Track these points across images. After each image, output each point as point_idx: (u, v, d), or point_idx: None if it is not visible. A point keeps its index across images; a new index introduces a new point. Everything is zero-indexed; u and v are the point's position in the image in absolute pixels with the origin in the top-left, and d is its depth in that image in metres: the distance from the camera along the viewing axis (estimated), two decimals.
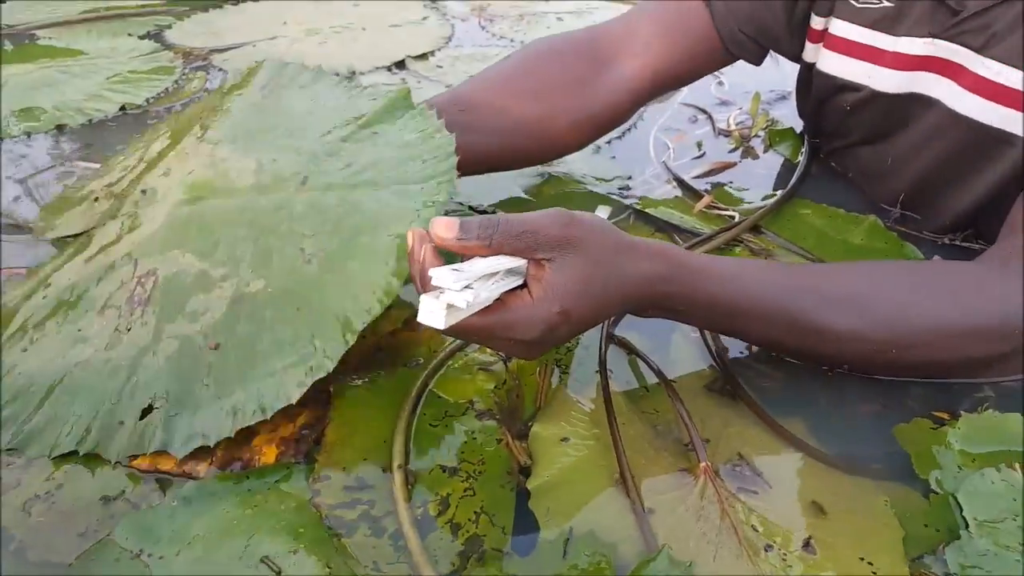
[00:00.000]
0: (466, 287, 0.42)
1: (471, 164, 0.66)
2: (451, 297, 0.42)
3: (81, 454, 0.52)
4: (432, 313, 0.42)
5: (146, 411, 0.52)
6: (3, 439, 0.54)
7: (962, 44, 0.69)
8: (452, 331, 0.45)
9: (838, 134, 0.89)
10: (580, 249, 0.46)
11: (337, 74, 0.78)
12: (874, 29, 0.76)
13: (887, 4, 0.74)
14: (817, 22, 0.81)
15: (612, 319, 0.67)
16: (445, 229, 0.44)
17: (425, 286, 0.44)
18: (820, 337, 0.56)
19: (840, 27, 0.79)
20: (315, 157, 0.66)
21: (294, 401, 0.53)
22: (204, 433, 0.51)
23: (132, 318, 0.60)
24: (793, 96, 1.15)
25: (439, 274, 0.42)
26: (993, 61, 0.67)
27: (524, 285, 0.46)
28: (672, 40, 0.79)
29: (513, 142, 0.74)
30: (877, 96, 0.78)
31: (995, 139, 0.69)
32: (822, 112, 0.89)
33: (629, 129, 1.08)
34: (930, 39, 0.72)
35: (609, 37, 0.78)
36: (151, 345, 0.57)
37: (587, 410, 0.59)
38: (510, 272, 0.46)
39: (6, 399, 0.57)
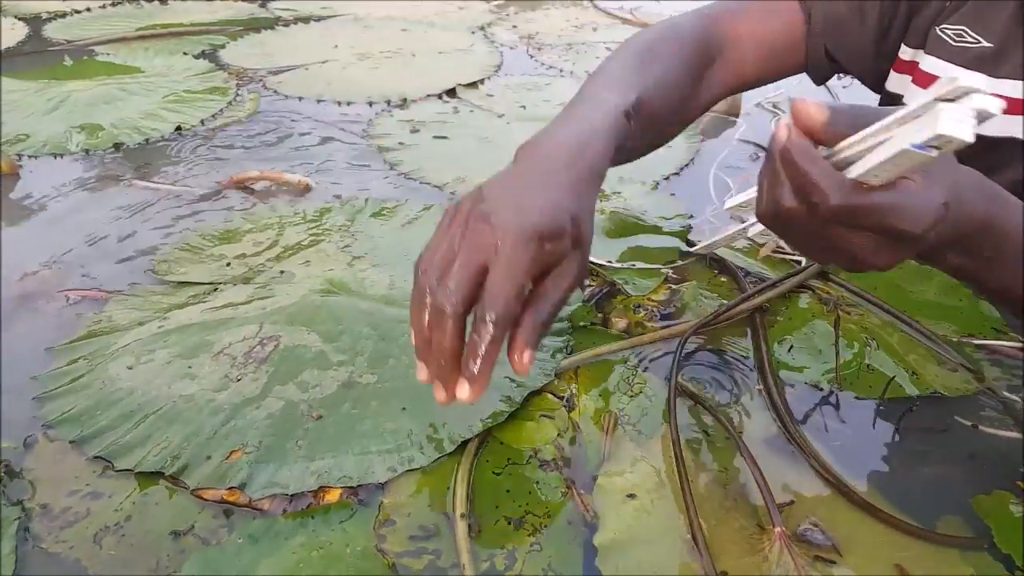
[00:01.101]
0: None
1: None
2: (981, 102, 0.37)
3: (166, 475, 0.51)
4: (959, 123, 0.37)
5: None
6: (95, 448, 0.53)
7: None
8: (842, 209, 0.41)
9: None
10: None
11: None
12: (970, 69, 0.70)
13: (986, 44, 0.69)
14: (906, 52, 0.75)
15: (679, 358, 0.63)
16: (816, 111, 0.42)
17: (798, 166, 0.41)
18: None
19: (932, 64, 0.72)
20: None
21: (380, 482, 0.51)
22: (284, 484, 0.50)
23: (245, 370, 0.59)
24: None
25: (966, 78, 0.36)
26: None
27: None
28: (769, 58, 0.77)
29: (660, 141, 0.73)
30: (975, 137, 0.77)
31: None
32: None
33: (687, 165, 1.02)
34: None
35: (716, 36, 0.74)
36: (257, 399, 0.56)
37: (653, 464, 0.54)
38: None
39: (106, 407, 0.56)
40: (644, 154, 0.72)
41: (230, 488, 0.50)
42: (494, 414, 0.57)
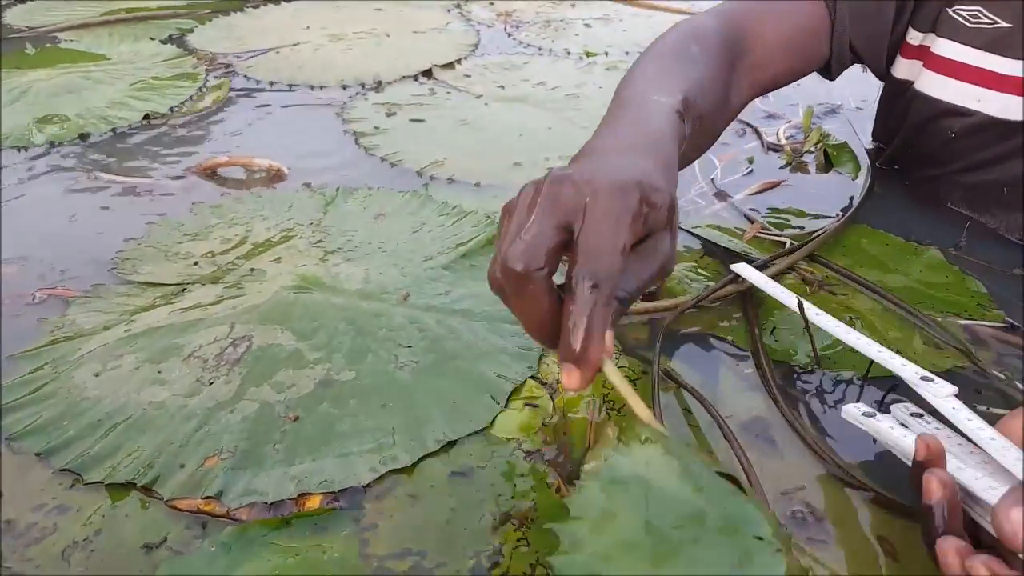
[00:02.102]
0: None
1: None
2: None
3: (138, 485, 0.48)
4: None
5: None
6: (63, 460, 0.50)
7: None
8: None
9: (935, 161, 0.79)
10: None
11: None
12: (989, 51, 0.69)
13: (1003, 24, 0.68)
14: (914, 36, 0.74)
15: (661, 340, 0.60)
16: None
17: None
18: None
19: (946, 47, 0.71)
20: (418, 280, 0.68)
21: (363, 484, 0.49)
22: (262, 491, 0.48)
23: (217, 373, 0.57)
24: (842, 109, 1.13)
25: None
26: None
27: None
28: (794, 54, 0.74)
29: (705, 145, 0.69)
30: (992, 122, 0.70)
31: None
32: (917, 137, 0.79)
33: None
34: None
35: (741, 36, 0.71)
36: (231, 402, 0.54)
37: (639, 450, 0.50)
38: None
39: (72, 417, 0.53)
40: (691, 160, 0.70)
41: (206, 497, 0.48)
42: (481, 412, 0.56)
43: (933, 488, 0.36)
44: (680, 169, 0.58)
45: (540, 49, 1.36)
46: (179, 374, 0.57)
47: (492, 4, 1.62)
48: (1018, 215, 0.75)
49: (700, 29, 0.69)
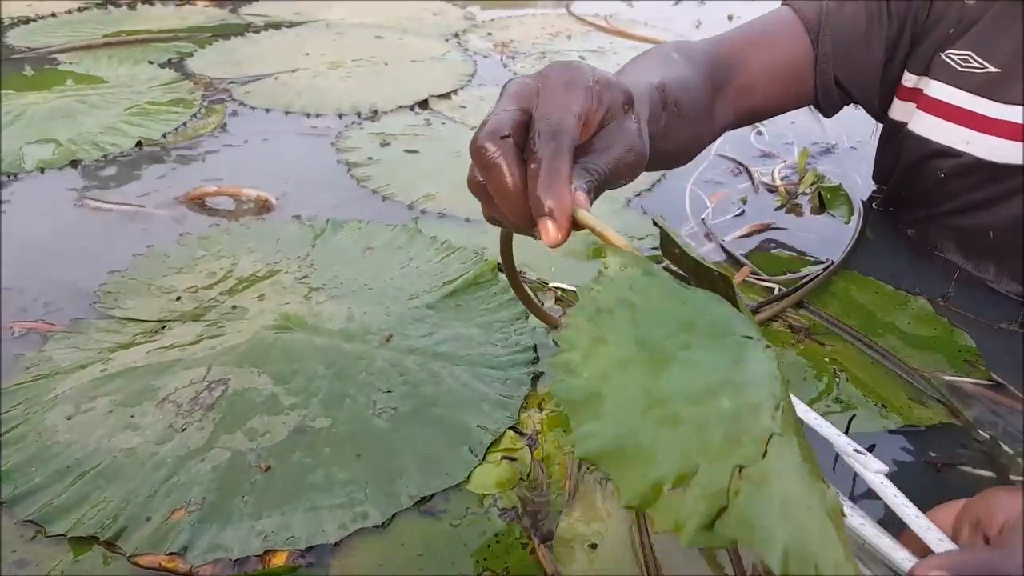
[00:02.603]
0: None
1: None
2: None
3: (101, 540, 0.47)
4: None
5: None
6: (26, 511, 0.49)
7: None
8: None
9: (927, 202, 0.80)
10: None
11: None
12: (978, 95, 0.69)
13: (992, 70, 0.68)
14: (909, 79, 0.75)
15: None
16: None
17: None
18: None
19: (938, 89, 0.72)
20: (402, 320, 0.67)
21: (331, 541, 0.48)
22: (228, 547, 0.46)
23: (191, 418, 0.56)
24: (838, 149, 1.13)
25: None
26: None
27: None
28: (776, 87, 0.75)
29: (685, 145, 0.67)
30: (979, 164, 0.70)
31: None
32: (910, 178, 0.80)
33: (658, 182, 0.98)
34: None
35: (725, 62, 0.72)
36: (202, 450, 0.53)
37: (617, 508, 0.51)
38: None
39: (41, 463, 0.52)
40: (672, 158, 0.68)
41: (170, 553, 0.47)
42: (456, 466, 0.55)
43: None
44: (658, 162, 0.61)
45: None
46: (152, 419, 0.56)
47: (490, 34, 1.63)
48: (1006, 261, 0.75)
49: (685, 43, 0.71)
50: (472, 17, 1.76)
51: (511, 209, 0.40)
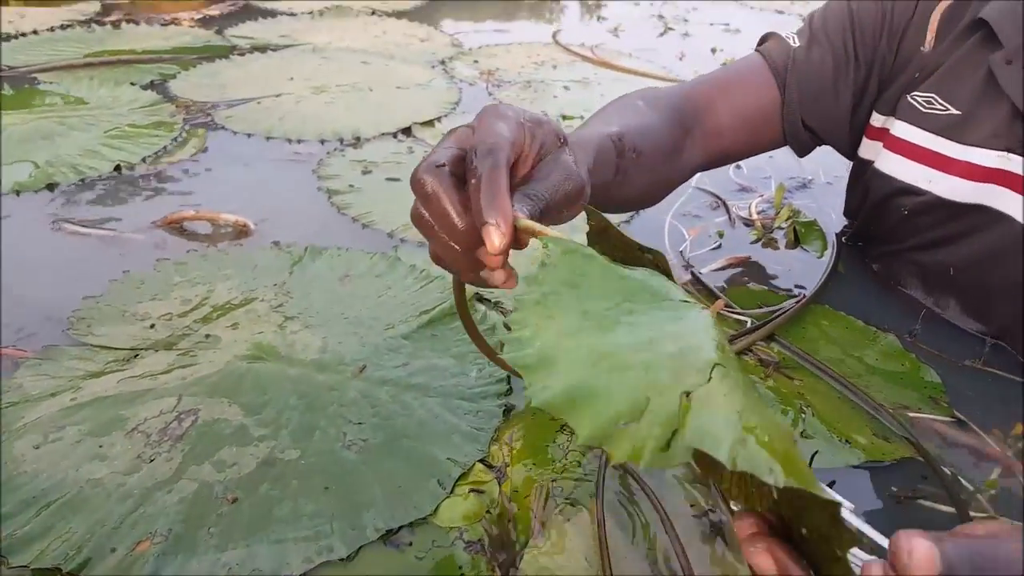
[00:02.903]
0: None
1: (606, 204, 0.60)
2: None
3: (63, 572, 0.47)
4: None
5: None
6: None
7: None
8: None
9: (892, 238, 0.82)
10: None
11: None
12: (940, 135, 0.72)
13: (954, 112, 0.71)
14: (877, 119, 0.77)
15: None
16: (926, 558, 0.32)
17: None
18: None
19: (903, 129, 0.75)
20: (377, 350, 0.68)
21: (295, 574, 0.48)
22: None
23: (159, 449, 0.56)
24: (813, 184, 1.16)
25: None
26: None
27: None
28: (745, 131, 0.78)
29: (649, 189, 0.71)
30: (940, 203, 0.73)
31: None
32: (876, 214, 0.82)
33: (637, 213, 1.00)
34: (1005, 153, 0.67)
35: (693, 106, 0.74)
36: (170, 481, 0.53)
37: (582, 541, 0.52)
38: None
39: (7, 492, 0.52)
40: (638, 200, 0.73)
41: None
42: (425, 498, 0.55)
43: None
44: (619, 202, 0.66)
45: None
46: (120, 449, 0.56)
47: (476, 62, 1.65)
48: (967, 298, 0.77)
49: (651, 91, 0.74)
50: (459, 44, 1.79)
51: (454, 236, 0.42)
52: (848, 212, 0.94)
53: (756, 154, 0.83)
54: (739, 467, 0.28)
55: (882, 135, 0.78)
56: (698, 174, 1.08)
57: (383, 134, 1.22)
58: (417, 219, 0.44)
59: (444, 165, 0.42)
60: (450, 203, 0.41)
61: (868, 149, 0.81)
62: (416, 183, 0.42)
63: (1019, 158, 0.67)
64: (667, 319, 0.36)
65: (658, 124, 0.68)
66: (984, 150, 0.69)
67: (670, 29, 2.16)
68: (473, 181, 0.40)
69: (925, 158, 0.74)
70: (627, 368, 0.32)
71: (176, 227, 0.91)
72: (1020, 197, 0.67)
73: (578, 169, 0.47)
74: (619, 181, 0.59)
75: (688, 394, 0.30)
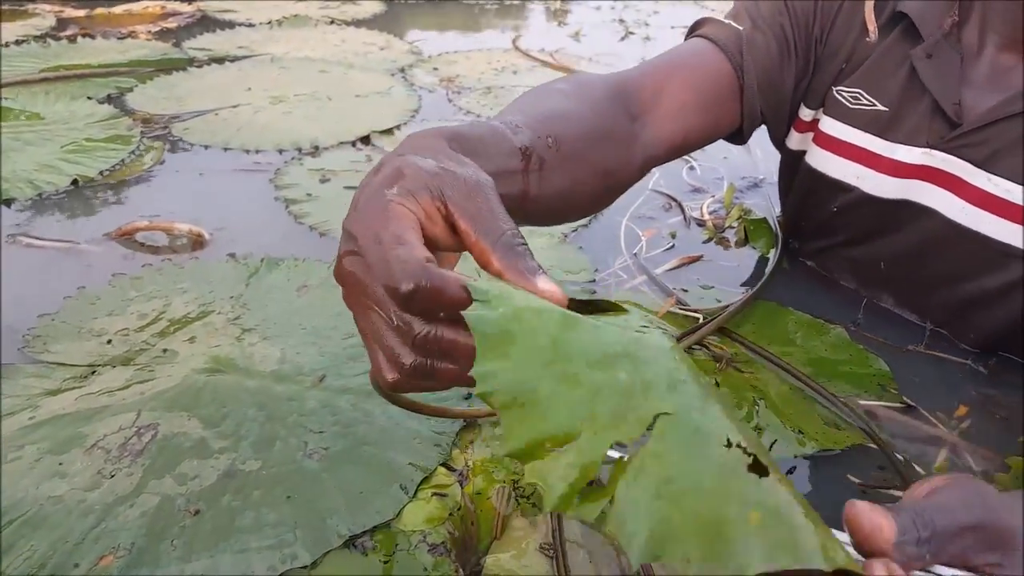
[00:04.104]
0: None
1: (539, 214, 0.55)
2: None
3: None
4: None
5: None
6: None
7: (961, 157, 0.66)
8: None
9: (823, 233, 0.84)
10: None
11: None
12: (867, 132, 0.73)
13: (880, 108, 0.72)
14: (806, 113, 0.78)
15: None
16: (886, 527, 0.34)
17: None
18: None
19: (831, 125, 0.76)
20: (336, 359, 0.68)
21: None
22: None
23: (119, 465, 0.56)
24: (765, 183, 1.18)
25: None
26: (997, 176, 0.65)
27: None
28: (705, 112, 0.72)
29: (581, 195, 0.61)
30: (868, 199, 0.74)
31: (997, 251, 0.66)
32: (806, 208, 0.83)
33: (595, 216, 1.00)
34: (928, 149, 0.69)
35: (638, 92, 0.68)
36: (130, 496, 0.53)
37: (543, 542, 0.53)
38: None
39: None
40: (578, 199, 0.61)
41: None
42: (386, 504, 0.56)
43: None
44: (569, 208, 0.59)
45: (479, 117, 1.39)
46: (80, 466, 0.56)
47: (436, 69, 1.66)
48: (899, 290, 0.79)
49: (580, 76, 0.67)
50: (419, 52, 1.80)
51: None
52: (781, 204, 0.96)
53: (711, 141, 0.77)
54: (652, 559, 0.26)
55: (812, 128, 0.80)
56: (654, 174, 1.10)
57: (342, 143, 1.23)
58: (430, 373, 0.36)
59: (423, 316, 0.34)
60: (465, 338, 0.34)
61: (795, 140, 0.82)
62: (431, 341, 0.34)
63: (941, 154, 0.69)
64: (631, 337, 0.33)
65: (587, 108, 0.60)
66: (908, 147, 0.71)
67: (631, 33, 2.19)
68: (442, 313, 0.34)
69: (854, 154, 0.75)
70: (577, 384, 0.30)
71: (129, 238, 0.90)
72: (943, 192, 0.69)
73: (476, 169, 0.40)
74: (536, 172, 0.51)
75: (621, 458, 0.28)
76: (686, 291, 0.86)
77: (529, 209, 0.52)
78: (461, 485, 0.59)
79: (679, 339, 0.75)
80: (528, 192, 0.51)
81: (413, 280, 0.33)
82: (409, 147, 0.41)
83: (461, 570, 0.52)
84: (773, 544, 0.26)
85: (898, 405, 0.69)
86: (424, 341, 0.34)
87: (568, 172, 0.56)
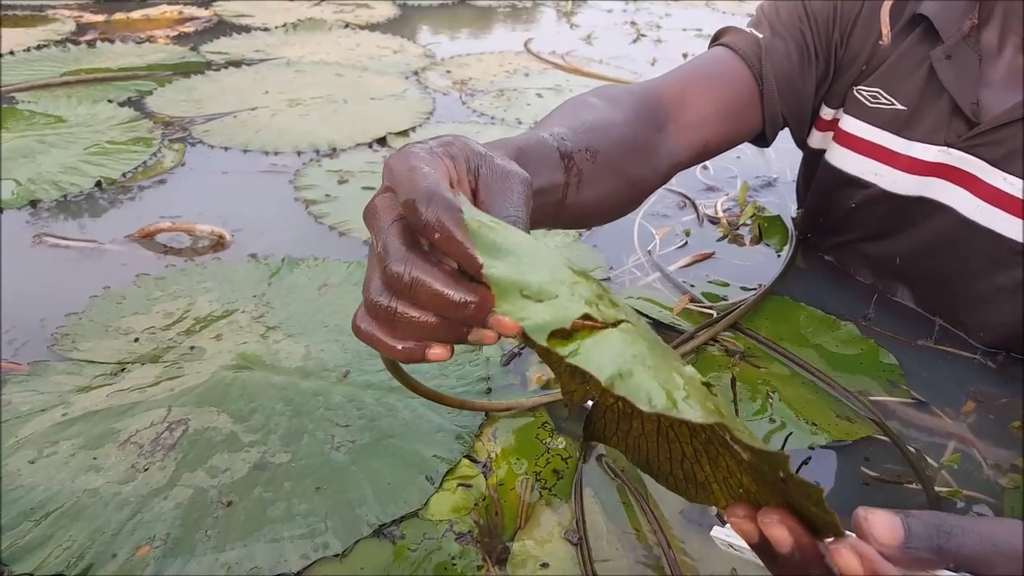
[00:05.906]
0: None
1: (570, 220, 0.57)
2: None
3: None
4: None
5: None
6: None
7: (978, 156, 0.67)
8: None
9: (841, 228, 0.85)
10: None
11: None
12: (885, 130, 0.74)
13: (899, 107, 0.73)
14: (827, 112, 0.79)
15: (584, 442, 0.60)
16: (888, 532, 0.35)
17: None
18: None
19: (851, 123, 0.77)
20: (359, 355, 0.69)
21: (293, 571, 0.49)
22: None
23: (152, 459, 0.57)
24: (778, 182, 1.18)
25: None
26: (1012, 176, 0.66)
27: None
28: (725, 121, 0.73)
29: (611, 203, 0.63)
30: (885, 195, 0.75)
31: (1009, 249, 0.67)
32: (825, 204, 0.84)
33: None
34: (944, 148, 0.70)
35: (663, 101, 0.69)
36: (164, 488, 0.55)
37: (567, 530, 0.54)
38: None
39: (5, 505, 0.53)
40: (608, 206, 0.63)
41: None
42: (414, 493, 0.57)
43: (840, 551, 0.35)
44: (597, 214, 0.61)
45: (493, 119, 1.40)
46: (114, 460, 0.57)
47: (449, 72, 1.67)
48: (913, 285, 0.80)
49: (609, 88, 0.68)
50: (432, 55, 1.81)
51: (455, 312, 0.36)
52: (800, 202, 0.97)
53: (734, 146, 0.79)
54: (617, 391, 0.31)
55: (832, 127, 0.81)
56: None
57: (358, 144, 1.24)
58: (390, 316, 0.37)
59: (407, 247, 0.36)
60: (442, 283, 0.35)
61: (816, 139, 0.84)
62: (393, 279, 0.35)
63: (958, 152, 0.69)
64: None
65: (620, 120, 0.62)
66: (925, 145, 0.72)
67: (642, 36, 2.20)
68: (438, 236, 0.34)
69: (872, 152, 0.76)
70: (562, 283, 0.36)
71: (153, 240, 0.92)
72: (959, 189, 0.70)
73: (519, 166, 0.42)
74: (575, 184, 0.54)
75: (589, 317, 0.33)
76: (693, 286, 0.86)
77: (562, 216, 0.54)
78: (485, 476, 0.60)
79: (693, 334, 0.75)
80: (564, 201, 0.53)
81: (428, 190, 0.35)
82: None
83: (487, 558, 0.53)
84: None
85: (908, 400, 0.70)
86: (396, 275, 0.35)
87: (602, 182, 0.58)
